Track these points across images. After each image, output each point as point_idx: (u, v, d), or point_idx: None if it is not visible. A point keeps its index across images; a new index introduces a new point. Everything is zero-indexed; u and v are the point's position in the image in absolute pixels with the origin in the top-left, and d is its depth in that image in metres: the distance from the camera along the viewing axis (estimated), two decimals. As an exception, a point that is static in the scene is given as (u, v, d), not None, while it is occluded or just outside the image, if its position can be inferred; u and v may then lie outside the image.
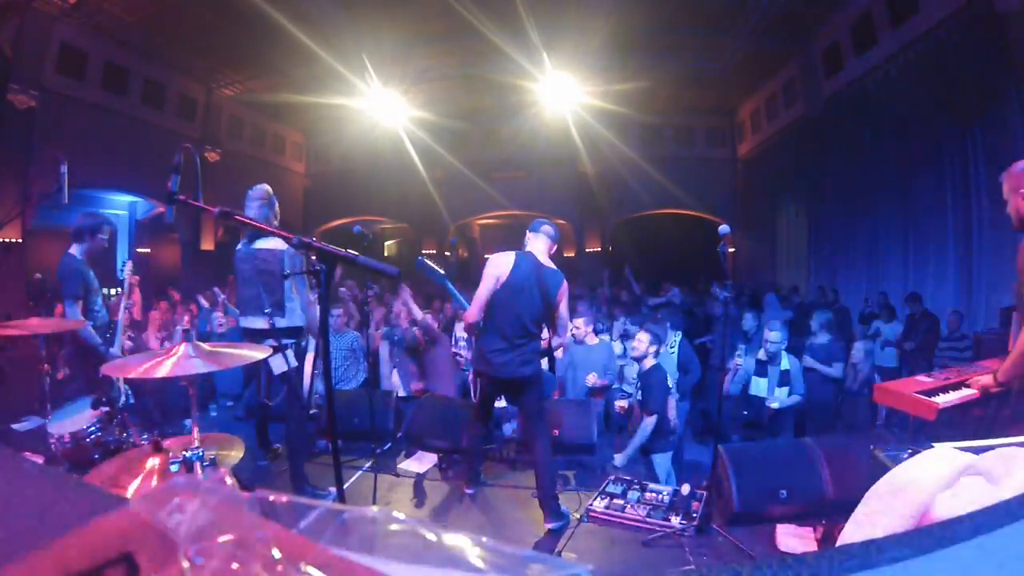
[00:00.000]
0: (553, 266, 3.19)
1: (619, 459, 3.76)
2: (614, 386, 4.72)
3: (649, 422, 3.70)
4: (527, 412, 3.22)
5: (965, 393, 2.76)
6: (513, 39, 8.93)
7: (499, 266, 3.09)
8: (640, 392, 3.82)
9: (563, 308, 3.17)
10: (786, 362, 4.25)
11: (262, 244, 3.25)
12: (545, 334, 3.28)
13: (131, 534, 0.33)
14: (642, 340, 3.86)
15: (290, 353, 3.23)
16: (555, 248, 3.29)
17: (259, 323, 3.23)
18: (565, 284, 3.18)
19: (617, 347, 5.33)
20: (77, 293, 3.45)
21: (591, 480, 3.56)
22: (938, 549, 0.39)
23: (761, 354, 4.32)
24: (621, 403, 4.36)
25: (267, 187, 3.39)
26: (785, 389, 4.19)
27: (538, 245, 3.21)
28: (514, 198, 14.18)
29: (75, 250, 3.56)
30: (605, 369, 4.58)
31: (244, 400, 5.14)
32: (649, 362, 3.85)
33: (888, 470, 0.81)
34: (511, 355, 3.07)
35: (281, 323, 3.23)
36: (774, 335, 4.26)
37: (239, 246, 3.39)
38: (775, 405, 4.15)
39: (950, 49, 7.11)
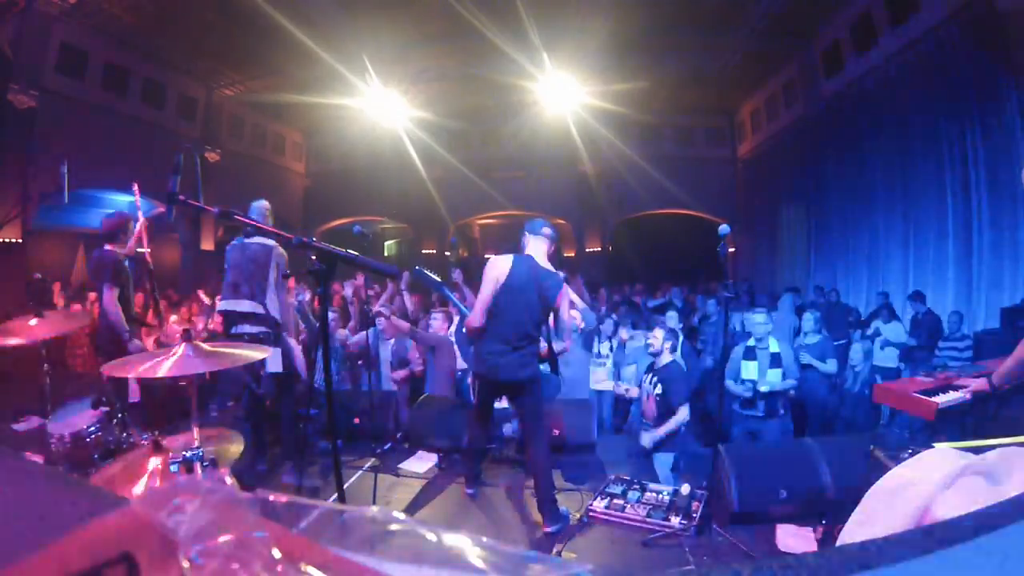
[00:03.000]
0: (551, 268, 3.18)
1: (646, 439, 3.75)
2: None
3: (683, 411, 3.69)
4: (525, 414, 3.21)
5: (964, 393, 2.76)
6: (513, 39, 8.92)
7: (497, 269, 3.08)
8: (660, 387, 3.82)
9: (564, 311, 3.16)
10: (775, 345, 4.24)
11: (254, 239, 3.57)
12: (543, 344, 3.28)
13: (131, 534, 0.33)
14: (657, 336, 3.87)
15: (272, 350, 3.42)
16: (553, 249, 3.28)
17: (239, 306, 3.48)
18: (565, 287, 3.16)
19: (604, 348, 5.34)
20: (114, 280, 3.60)
21: (591, 480, 3.56)
22: (938, 549, 0.39)
23: (751, 341, 4.33)
24: (628, 387, 4.37)
25: (266, 203, 3.75)
26: (778, 371, 4.15)
27: (537, 247, 3.20)
28: (514, 198, 14.18)
29: (111, 247, 3.71)
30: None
31: (244, 401, 5.13)
32: (666, 357, 3.86)
33: (888, 470, 0.81)
34: (510, 357, 3.06)
35: (258, 310, 3.48)
36: (758, 317, 4.31)
37: (234, 240, 3.70)
38: (764, 388, 4.14)
39: (950, 49, 7.10)
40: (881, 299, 7.14)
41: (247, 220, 2.00)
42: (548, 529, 2.97)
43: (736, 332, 5.57)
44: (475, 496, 3.40)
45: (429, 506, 3.36)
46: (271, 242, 3.53)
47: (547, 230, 3.25)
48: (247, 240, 3.60)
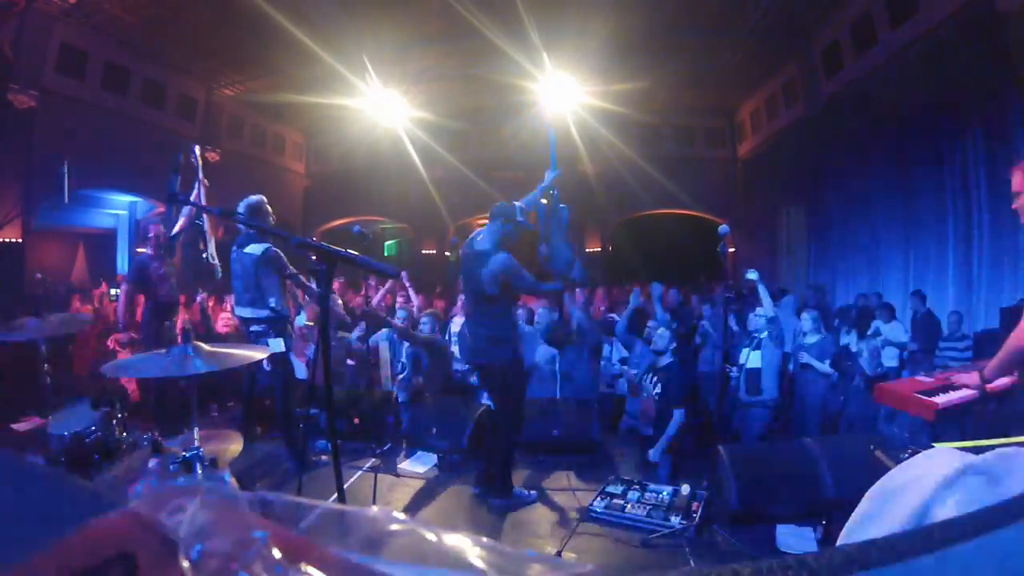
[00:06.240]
0: (491, 245, 3.24)
1: (652, 453, 3.79)
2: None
3: (678, 414, 3.74)
4: (493, 399, 3.41)
5: (964, 393, 2.76)
6: (513, 39, 8.92)
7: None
8: (659, 387, 3.85)
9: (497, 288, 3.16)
10: (765, 334, 4.35)
11: (246, 249, 3.66)
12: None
13: (131, 534, 0.33)
14: (664, 336, 3.96)
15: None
16: (511, 228, 3.32)
17: (243, 312, 3.73)
18: (500, 267, 3.12)
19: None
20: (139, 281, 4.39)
21: (591, 480, 3.56)
22: (938, 549, 0.39)
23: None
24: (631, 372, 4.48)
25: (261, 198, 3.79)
26: (757, 353, 4.31)
27: (490, 225, 3.37)
28: (514, 198, 14.11)
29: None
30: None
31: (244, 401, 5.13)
32: (667, 357, 3.94)
33: (888, 470, 0.81)
34: (475, 337, 3.23)
35: (258, 314, 3.68)
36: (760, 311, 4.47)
37: (233, 249, 3.82)
38: (742, 360, 4.30)
39: (950, 49, 7.10)
40: (876, 299, 7.12)
41: (248, 222, 2.00)
42: (494, 503, 3.24)
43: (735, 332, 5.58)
44: (476, 496, 3.40)
45: (429, 506, 3.37)
46: (260, 248, 3.53)
47: (501, 210, 3.36)
48: (242, 250, 3.63)
